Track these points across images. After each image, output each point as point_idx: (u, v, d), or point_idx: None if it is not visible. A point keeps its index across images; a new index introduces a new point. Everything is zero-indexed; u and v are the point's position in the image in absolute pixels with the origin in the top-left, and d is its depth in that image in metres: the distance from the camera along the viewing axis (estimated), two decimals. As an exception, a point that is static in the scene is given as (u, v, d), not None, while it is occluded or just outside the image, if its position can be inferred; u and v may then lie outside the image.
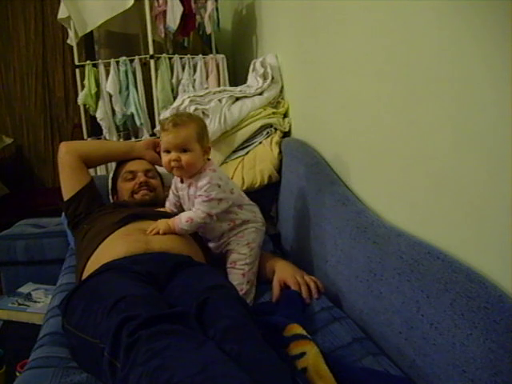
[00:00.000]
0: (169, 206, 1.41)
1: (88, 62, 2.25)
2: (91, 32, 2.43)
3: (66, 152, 1.53)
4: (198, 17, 2.29)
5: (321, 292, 1.19)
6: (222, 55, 2.39)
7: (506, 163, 0.72)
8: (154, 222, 1.30)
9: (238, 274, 1.24)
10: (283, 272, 1.26)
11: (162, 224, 1.22)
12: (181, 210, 1.34)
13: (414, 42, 0.94)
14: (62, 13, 2.27)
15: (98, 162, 1.81)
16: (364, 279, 1.05)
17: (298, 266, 1.30)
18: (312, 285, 1.20)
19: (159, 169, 1.78)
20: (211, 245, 1.34)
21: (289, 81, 1.83)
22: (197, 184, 1.20)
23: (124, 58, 2.20)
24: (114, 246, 1.20)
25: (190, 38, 2.52)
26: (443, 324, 0.80)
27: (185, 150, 1.17)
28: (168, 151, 1.19)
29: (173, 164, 1.18)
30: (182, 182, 1.26)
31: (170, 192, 1.38)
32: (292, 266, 1.29)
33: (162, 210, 1.44)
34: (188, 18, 2.24)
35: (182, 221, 1.21)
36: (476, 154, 0.79)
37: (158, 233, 1.22)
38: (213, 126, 1.71)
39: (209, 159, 1.24)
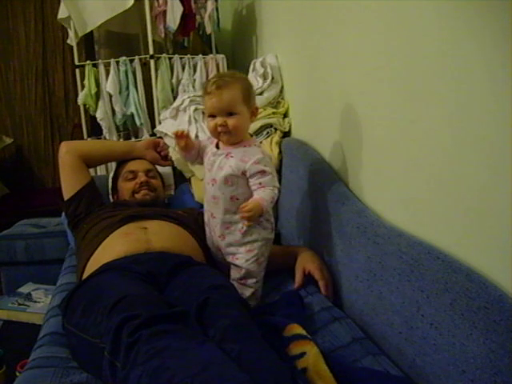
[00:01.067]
0: (195, 145, 1.24)
1: (88, 62, 2.25)
2: (91, 32, 2.42)
3: (67, 151, 1.54)
4: (198, 17, 2.28)
5: (332, 293, 1.19)
6: (221, 55, 2.38)
7: (506, 163, 0.72)
8: (154, 222, 1.30)
9: (248, 292, 1.17)
10: (310, 262, 1.24)
11: (258, 209, 1.08)
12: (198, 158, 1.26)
13: (414, 43, 0.94)
14: (62, 13, 2.27)
15: (99, 161, 1.81)
16: (364, 279, 1.05)
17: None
18: (329, 284, 1.20)
19: (160, 169, 1.79)
20: (217, 252, 1.26)
21: (289, 81, 1.83)
22: (243, 158, 1.12)
23: (124, 58, 2.20)
24: (115, 246, 1.20)
25: (190, 38, 2.52)
26: (443, 324, 0.80)
27: (231, 114, 1.10)
28: (213, 116, 1.12)
29: (220, 129, 1.11)
30: (217, 147, 1.18)
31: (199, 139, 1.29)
32: (318, 257, 1.26)
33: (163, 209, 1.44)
34: (188, 17, 2.24)
35: (268, 202, 1.10)
36: (476, 153, 0.79)
37: (248, 218, 1.08)
38: (213, 126, 1.70)
39: (251, 135, 1.20)
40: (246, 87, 1.13)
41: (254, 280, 1.17)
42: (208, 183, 1.18)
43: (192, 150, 1.23)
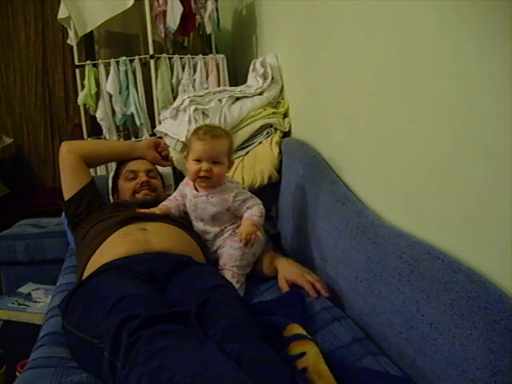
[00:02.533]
0: (171, 207, 1.39)
1: (88, 62, 2.25)
2: (91, 32, 2.42)
3: (67, 151, 1.54)
4: (198, 17, 2.28)
5: (327, 291, 1.18)
6: (221, 55, 2.38)
7: (506, 163, 0.72)
8: (153, 223, 1.30)
9: (227, 276, 1.24)
10: (290, 271, 1.25)
11: (252, 229, 1.21)
12: (183, 213, 1.39)
13: (414, 42, 0.94)
14: (62, 13, 2.27)
15: (100, 161, 1.81)
16: (364, 279, 1.05)
17: (298, 265, 1.30)
18: (318, 285, 1.18)
19: (160, 169, 1.79)
20: (210, 250, 1.36)
21: (289, 81, 1.83)
22: (223, 196, 1.26)
23: (124, 57, 2.20)
24: (115, 246, 1.20)
25: (190, 38, 2.52)
26: (443, 324, 0.80)
27: (216, 162, 1.22)
28: (199, 160, 1.22)
29: (203, 174, 1.22)
30: (196, 190, 1.29)
31: (174, 196, 1.40)
32: (297, 265, 1.28)
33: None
34: (188, 18, 2.24)
35: (258, 217, 1.25)
36: (476, 153, 0.79)
37: (248, 240, 1.21)
38: (213, 126, 1.71)
39: None
40: (231, 143, 1.29)
41: (231, 264, 1.26)
42: (196, 221, 1.34)
43: (181, 207, 1.39)
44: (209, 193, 1.27)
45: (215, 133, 1.23)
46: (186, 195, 1.34)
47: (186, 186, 1.34)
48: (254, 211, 1.25)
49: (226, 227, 1.31)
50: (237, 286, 1.23)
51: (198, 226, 1.34)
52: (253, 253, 1.30)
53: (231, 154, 1.29)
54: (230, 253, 1.28)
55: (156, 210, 1.37)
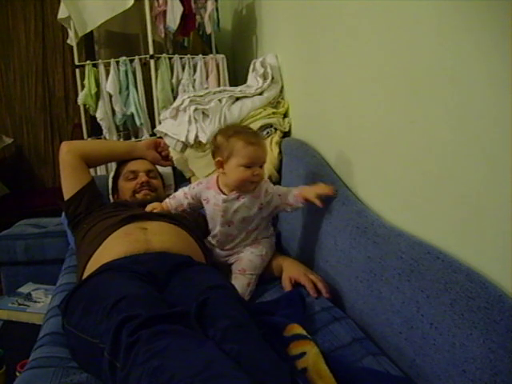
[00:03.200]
0: (172, 205, 1.34)
1: (88, 61, 2.25)
2: (91, 32, 2.42)
3: (68, 151, 1.54)
4: (197, 17, 2.28)
5: (328, 292, 1.18)
6: (221, 55, 2.38)
7: (506, 163, 0.72)
8: (154, 223, 1.30)
9: (244, 282, 1.23)
10: (293, 270, 1.26)
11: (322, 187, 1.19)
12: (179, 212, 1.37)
13: (413, 42, 0.94)
14: (62, 13, 2.27)
15: (100, 161, 1.81)
16: (364, 279, 1.05)
17: (298, 265, 1.30)
18: (320, 285, 1.19)
19: (160, 169, 1.79)
20: (221, 252, 1.33)
21: (289, 81, 1.83)
22: (253, 194, 1.22)
23: (124, 57, 2.20)
24: (115, 246, 1.20)
25: (190, 37, 2.52)
26: (443, 324, 0.80)
27: (261, 166, 1.20)
28: (249, 166, 1.17)
29: (257, 179, 1.19)
30: (224, 193, 1.23)
31: (180, 194, 1.33)
32: (301, 265, 1.29)
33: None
34: (188, 18, 2.24)
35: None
36: (476, 153, 0.79)
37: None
38: (213, 126, 1.71)
39: None
40: None
41: (251, 271, 1.25)
42: (223, 226, 1.26)
43: (187, 210, 1.35)
44: (239, 194, 1.22)
45: (258, 134, 1.21)
46: (209, 200, 1.26)
47: (208, 190, 1.26)
48: (299, 188, 1.23)
49: (251, 232, 1.28)
50: (248, 290, 1.23)
51: (223, 229, 1.28)
52: (267, 260, 1.31)
53: None
54: (251, 259, 1.26)
55: (158, 206, 1.34)
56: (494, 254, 0.78)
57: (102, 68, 2.22)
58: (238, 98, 1.83)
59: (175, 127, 1.80)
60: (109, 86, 2.19)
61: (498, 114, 0.73)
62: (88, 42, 2.77)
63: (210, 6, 2.23)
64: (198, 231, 1.39)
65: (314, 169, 1.40)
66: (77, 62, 2.29)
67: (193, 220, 1.46)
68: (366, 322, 1.04)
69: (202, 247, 1.32)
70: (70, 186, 1.50)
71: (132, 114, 2.25)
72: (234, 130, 1.21)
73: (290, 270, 1.26)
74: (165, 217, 1.35)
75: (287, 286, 1.23)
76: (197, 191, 1.29)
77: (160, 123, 2.03)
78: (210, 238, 1.35)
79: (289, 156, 1.64)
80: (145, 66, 2.28)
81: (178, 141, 1.76)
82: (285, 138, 1.76)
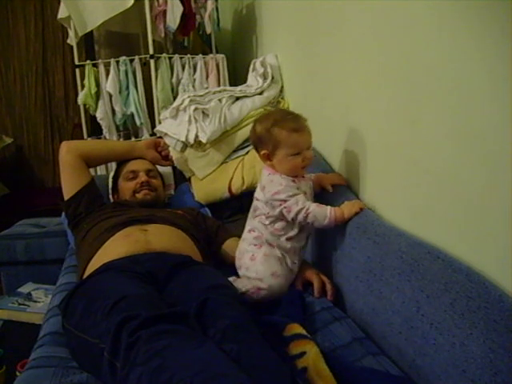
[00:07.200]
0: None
1: (88, 61, 2.25)
2: (91, 32, 2.42)
3: (67, 151, 1.54)
4: (197, 16, 2.29)
5: (332, 296, 1.17)
6: (221, 55, 2.38)
7: (506, 163, 0.72)
8: (153, 225, 1.30)
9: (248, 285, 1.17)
10: (306, 270, 1.23)
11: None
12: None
13: (413, 42, 0.94)
14: (62, 13, 2.27)
15: (99, 161, 1.81)
16: (364, 279, 1.05)
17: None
18: (329, 286, 1.17)
19: (160, 168, 1.79)
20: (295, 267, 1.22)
21: (289, 80, 1.83)
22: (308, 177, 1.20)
23: (124, 57, 2.20)
24: (115, 247, 1.20)
25: (190, 37, 2.52)
26: (443, 324, 0.80)
27: (309, 147, 1.14)
28: (298, 153, 1.11)
29: (308, 162, 1.13)
30: (293, 181, 1.14)
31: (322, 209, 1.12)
32: (312, 267, 1.27)
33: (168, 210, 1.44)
34: (188, 17, 2.24)
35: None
36: (476, 154, 0.79)
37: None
38: (213, 126, 1.71)
39: None
40: None
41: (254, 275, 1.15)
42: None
43: None
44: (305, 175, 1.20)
45: (300, 116, 1.13)
46: (292, 188, 1.13)
47: (287, 182, 1.14)
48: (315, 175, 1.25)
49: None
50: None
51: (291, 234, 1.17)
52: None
53: None
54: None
55: None
56: (494, 254, 0.78)
57: (102, 68, 2.22)
58: (238, 98, 1.83)
59: (175, 127, 1.80)
60: (109, 85, 2.19)
61: (498, 113, 0.73)
62: (88, 41, 2.78)
63: (209, 5, 2.23)
64: (197, 232, 1.39)
65: (314, 169, 1.40)
66: (77, 62, 2.29)
67: (192, 219, 1.47)
68: (366, 322, 1.04)
69: (200, 249, 1.32)
70: (69, 186, 1.50)
71: (132, 114, 2.25)
72: (274, 119, 1.13)
73: (302, 270, 1.24)
74: (164, 219, 1.35)
75: (298, 285, 1.22)
76: (276, 189, 1.12)
77: (160, 123, 2.03)
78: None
79: (289, 156, 1.63)
80: (145, 65, 2.28)
81: (178, 140, 1.76)
82: (285, 138, 1.76)
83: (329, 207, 1.11)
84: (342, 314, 1.09)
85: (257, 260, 1.16)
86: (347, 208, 1.12)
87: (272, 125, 1.12)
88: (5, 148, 3.20)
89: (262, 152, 1.15)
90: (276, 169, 1.15)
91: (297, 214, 1.10)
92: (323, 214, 1.10)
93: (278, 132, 1.10)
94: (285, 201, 1.11)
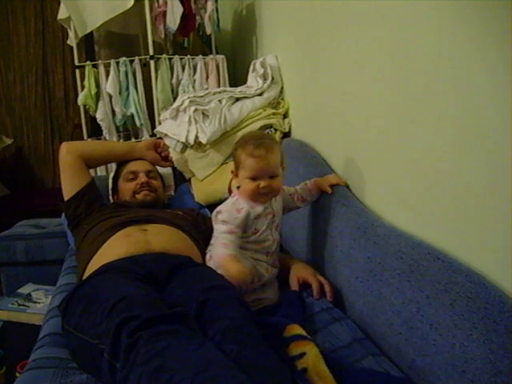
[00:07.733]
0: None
1: (88, 62, 2.25)
2: (91, 32, 2.42)
3: (67, 152, 1.54)
4: (197, 17, 2.29)
5: (332, 296, 1.17)
6: (221, 56, 2.39)
7: (506, 163, 0.72)
8: (153, 225, 1.30)
9: None
10: (302, 270, 1.24)
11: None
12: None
13: (413, 43, 0.94)
14: (62, 13, 2.27)
15: (99, 162, 1.81)
16: (364, 279, 1.05)
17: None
18: (327, 287, 1.18)
19: (160, 169, 1.79)
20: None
21: (289, 81, 1.83)
22: (277, 203, 1.21)
23: (124, 58, 2.20)
24: (115, 247, 1.20)
25: (190, 38, 2.52)
26: (443, 324, 0.80)
27: (273, 176, 1.12)
28: (254, 178, 1.11)
29: (264, 191, 1.12)
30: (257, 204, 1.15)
31: (233, 230, 1.13)
32: (309, 266, 1.28)
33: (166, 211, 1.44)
34: (188, 18, 2.24)
35: None
36: (476, 154, 0.79)
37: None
38: (213, 127, 1.71)
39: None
40: (280, 150, 1.17)
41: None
42: (268, 239, 1.19)
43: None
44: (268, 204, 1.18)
45: (266, 145, 1.10)
46: (250, 215, 1.14)
47: (250, 208, 1.15)
48: (311, 181, 1.28)
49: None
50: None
51: (272, 239, 1.20)
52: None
53: (283, 161, 1.17)
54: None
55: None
56: (494, 254, 0.78)
57: (102, 68, 2.22)
58: (237, 99, 1.83)
59: (175, 128, 1.80)
60: (109, 86, 2.19)
61: (498, 113, 0.73)
62: (88, 42, 2.78)
63: (209, 6, 2.23)
64: (197, 233, 1.39)
65: (314, 169, 1.40)
66: (77, 63, 2.29)
67: (192, 220, 1.46)
68: (366, 323, 1.04)
69: (200, 249, 1.32)
70: (69, 187, 1.50)
71: (132, 115, 2.25)
72: (243, 140, 1.15)
73: (299, 270, 1.25)
74: (164, 219, 1.35)
75: (295, 285, 1.22)
76: (244, 215, 1.14)
77: (160, 124, 2.03)
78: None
79: (289, 156, 1.63)
80: (145, 66, 2.28)
81: (178, 141, 1.77)
82: (285, 139, 1.76)
83: (224, 258, 1.08)
84: (341, 314, 1.09)
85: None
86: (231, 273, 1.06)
87: (238, 145, 1.16)
88: (5, 149, 3.21)
89: (232, 168, 1.20)
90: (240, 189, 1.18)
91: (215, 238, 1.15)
92: (218, 259, 1.13)
93: (239, 153, 1.14)
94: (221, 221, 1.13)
